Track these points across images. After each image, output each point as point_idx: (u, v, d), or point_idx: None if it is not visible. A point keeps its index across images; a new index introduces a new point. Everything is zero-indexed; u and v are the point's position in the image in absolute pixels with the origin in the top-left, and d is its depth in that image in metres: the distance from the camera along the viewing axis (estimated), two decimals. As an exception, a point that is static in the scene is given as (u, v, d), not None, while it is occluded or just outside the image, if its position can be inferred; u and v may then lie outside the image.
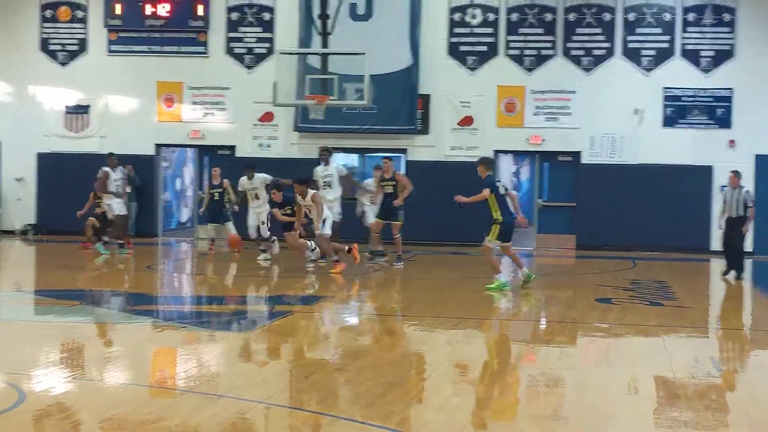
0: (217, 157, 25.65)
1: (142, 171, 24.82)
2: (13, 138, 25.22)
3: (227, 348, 10.65)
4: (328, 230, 17.26)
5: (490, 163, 15.66)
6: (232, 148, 25.08)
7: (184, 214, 28.87)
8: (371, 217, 19.55)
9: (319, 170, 19.06)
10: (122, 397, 8.18)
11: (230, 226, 20.69)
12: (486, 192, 14.99)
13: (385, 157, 19.54)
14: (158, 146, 25.42)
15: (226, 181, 20.64)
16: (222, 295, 15.12)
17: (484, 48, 24.39)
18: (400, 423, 7.36)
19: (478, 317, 13.10)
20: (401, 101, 24.14)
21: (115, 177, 20.72)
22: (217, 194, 20.65)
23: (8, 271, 19.06)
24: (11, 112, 25.35)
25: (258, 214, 19.72)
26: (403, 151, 24.63)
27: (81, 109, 25.34)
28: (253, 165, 20.07)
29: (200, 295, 15.82)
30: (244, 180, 19.77)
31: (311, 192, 17.25)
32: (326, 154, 19.19)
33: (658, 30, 23.91)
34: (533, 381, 9.07)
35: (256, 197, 19.71)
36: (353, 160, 25.90)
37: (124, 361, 9.79)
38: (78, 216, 21.08)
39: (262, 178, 19.73)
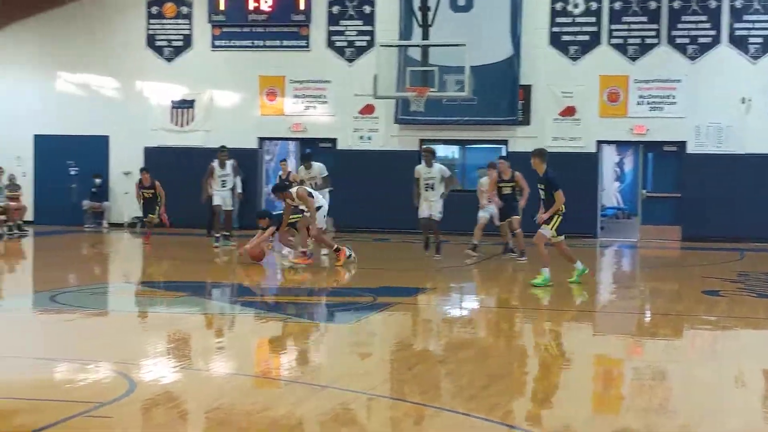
0: (319, 150, 25.87)
1: (245, 164, 25.11)
2: (121, 133, 25.78)
3: (330, 339, 10.71)
4: (322, 223, 17.03)
5: (545, 155, 14.91)
6: (333, 140, 25.25)
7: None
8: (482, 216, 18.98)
9: (422, 170, 18.22)
10: (228, 387, 8.26)
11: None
12: (561, 196, 14.33)
13: (502, 157, 18.88)
14: (261, 139, 25.72)
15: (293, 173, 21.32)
16: (324, 287, 15.22)
17: (586, 37, 24.10)
18: (504, 416, 7.30)
19: (581, 309, 12.96)
20: (502, 92, 24.00)
21: (223, 172, 20.90)
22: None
23: (117, 263, 19.49)
24: (119, 108, 25.90)
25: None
26: (504, 142, 24.49)
27: (186, 104, 25.77)
28: (310, 155, 19.81)
29: (303, 286, 15.94)
30: (301, 170, 19.51)
31: (294, 191, 16.80)
32: (429, 155, 18.44)
33: (766, 17, 23.32)
34: (639, 374, 8.95)
35: (314, 188, 19.28)
36: (453, 152, 25.86)
37: (230, 352, 9.90)
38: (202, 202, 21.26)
39: (319, 167, 19.41)
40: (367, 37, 24.91)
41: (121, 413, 7.16)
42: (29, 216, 24.73)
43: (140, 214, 25.30)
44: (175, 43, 25.86)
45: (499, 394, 7.94)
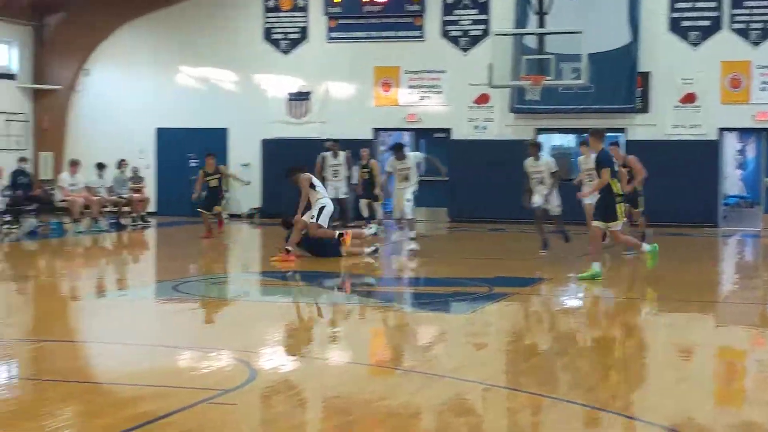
0: (433, 140, 25.93)
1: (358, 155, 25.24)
2: (240, 125, 26.18)
3: (447, 329, 10.71)
4: (319, 220, 16.44)
5: (602, 135, 14.37)
6: (447, 130, 25.22)
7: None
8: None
9: (529, 164, 17.46)
10: (346, 376, 8.35)
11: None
12: (606, 175, 13.80)
13: (613, 143, 18.06)
14: (376, 130, 25.84)
15: (373, 161, 21.33)
16: (441, 277, 15.22)
17: (707, 22, 23.57)
18: (623, 407, 7.23)
19: (702, 300, 12.71)
20: (620, 79, 23.64)
21: (334, 162, 21.11)
22: (215, 181, 20.84)
23: (236, 253, 19.81)
24: (237, 101, 26.30)
25: (403, 192, 18.82)
26: (622, 130, 24.11)
27: (302, 96, 26.04)
28: (402, 145, 19.18)
29: (418, 276, 15.98)
30: (392, 160, 18.93)
31: (301, 177, 16.50)
32: (534, 149, 17.90)
33: None
34: (763, 367, 8.74)
35: (406, 179, 18.84)
36: (569, 140, 25.58)
37: (348, 341, 9.99)
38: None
39: (414, 157, 19.16)
40: (482, 26, 24.79)
41: (243, 400, 7.28)
42: (152, 207, 25.33)
43: (258, 205, 25.77)
44: (291, 36, 26.14)
45: (618, 385, 7.87)
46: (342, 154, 20.94)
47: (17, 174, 21.95)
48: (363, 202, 21.43)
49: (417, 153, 19.64)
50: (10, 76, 26.52)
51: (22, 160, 22.91)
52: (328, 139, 21.35)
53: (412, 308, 12.05)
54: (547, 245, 17.18)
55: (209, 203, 20.68)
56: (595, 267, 13.99)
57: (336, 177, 20.78)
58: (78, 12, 26.86)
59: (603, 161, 13.92)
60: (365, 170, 21.33)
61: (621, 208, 13.98)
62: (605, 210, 14.06)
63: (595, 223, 14.18)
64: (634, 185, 16.69)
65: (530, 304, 12.55)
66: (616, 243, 15.45)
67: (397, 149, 18.62)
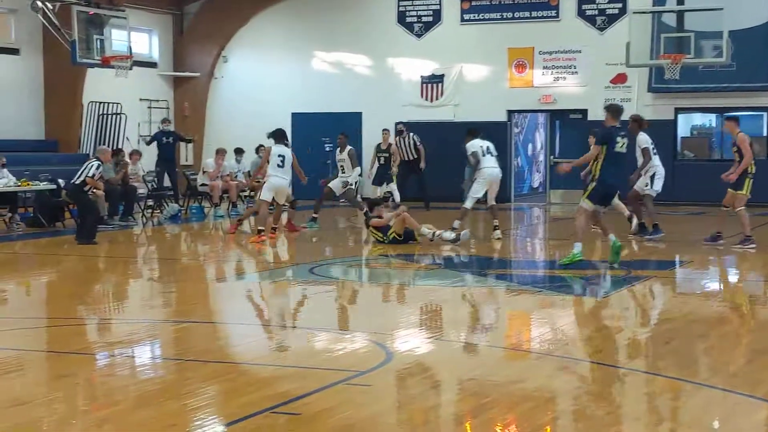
0: (569, 122, 25.61)
1: (494, 137, 25.09)
2: (373, 109, 26.32)
3: (584, 312, 10.60)
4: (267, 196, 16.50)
5: (615, 111, 13.16)
6: (584, 111, 24.89)
7: (536, 179, 29.01)
8: None
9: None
10: (481, 358, 8.36)
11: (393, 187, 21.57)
12: (748, 154, 13.19)
13: (729, 118, 16.74)
14: (509, 112, 25.67)
15: (393, 146, 21.61)
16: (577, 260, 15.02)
17: None
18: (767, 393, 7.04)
19: None
20: (762, 57, 22.92)
21: (341, 156, 20.25)
22: (383, 158, 21.43)
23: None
24: (371, 85, 26.47)
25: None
26: (765, 109, 23.40)
27: (435, 79, 26.04)
28: (477, 129, 18.31)
29: (554, 259, 15.84)
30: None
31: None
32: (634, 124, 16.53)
33: None
34: None
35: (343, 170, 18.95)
36: (711, 120, 24.94)
37: (483, 324, 10.00)
38: None
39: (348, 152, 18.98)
40: (619, 5, 24.33)
41: (378, 382, 7.35)
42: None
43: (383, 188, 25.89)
44: (424, 19, 26.14)
45: (763, 369, 7.66)
46: (347, 149, 20.06)
47: (161, 135, 22.53)
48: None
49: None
50: (151, 64, 27.26)
51: (165, 121, 23.56)
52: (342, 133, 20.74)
53: (549, 291, 11.94)
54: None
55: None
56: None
57: (343, 173, 19.57)
58: (216, 0, 27.41)
59: (600, 136, 13.08)
60: (384, 155, 21.95)
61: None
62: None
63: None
64: (743, 167, 15.18)
65: (670, 288, 12.34)
66: None
67: (471, 134, 17.50)
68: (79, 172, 16.60)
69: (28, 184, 18.31)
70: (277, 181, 16.50)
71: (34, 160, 19.61)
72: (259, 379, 7.52)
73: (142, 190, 20.54)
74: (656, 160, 16.50)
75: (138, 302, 11.64)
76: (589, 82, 24.63)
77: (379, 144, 22.43)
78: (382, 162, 22.11)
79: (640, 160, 16.25)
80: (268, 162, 16.50)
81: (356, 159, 19.30)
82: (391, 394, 7.16)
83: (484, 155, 16.60)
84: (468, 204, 16.65)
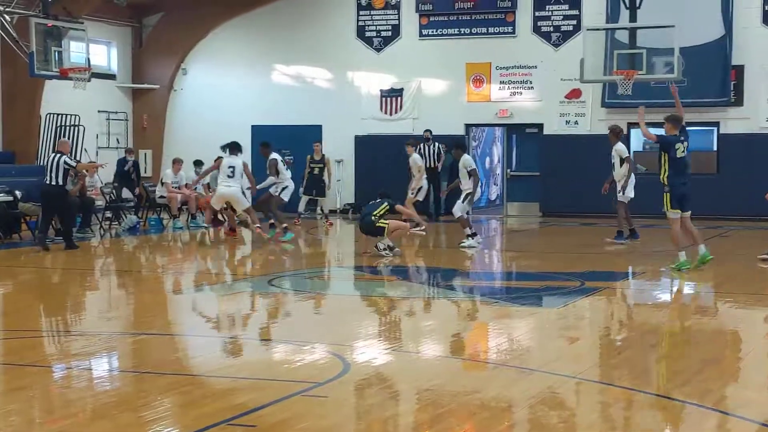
0: (525, 136, 25.84)
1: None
2: (333, 122, 26.37)
3: (538, 323, 10.68)
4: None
5: (674, 121, 14.34)
6: (539, 126, 25.10)
7: (493, 192, 29.21)
8: None
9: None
10: (438, 369, 8.39)
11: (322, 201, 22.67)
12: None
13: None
14: (467, 126, 25.83)
15: (327, 156, 22.35)
16: (530, 271, 15.19)
17: (802, 14, 23.07)
18: (718, 401, 7.17)
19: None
20: (713, 73, 23.25)
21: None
22: (317, 169, 22.18)
23: (329, 248, 19.99)
24: (331, 98, 26.51)
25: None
26: (716, 124, 23.75)
27: (395, 93, 26.15)
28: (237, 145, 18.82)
29: (509, 271, 15.98)
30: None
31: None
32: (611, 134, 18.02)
33: None
34: None
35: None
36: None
37: (439, 335, 10.02)
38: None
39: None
40: (573, 22, 24.60)
41: (335, 393, 7.37)
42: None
43: (351, 201, 25.97)
44: (383, 34, 26.26)
45: (712, 379, 7.78)
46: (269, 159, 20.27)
47: (122, 163, 22.55)
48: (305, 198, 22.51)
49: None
50: (110, 76, 27.14)
51: (129, 152, 23.47)
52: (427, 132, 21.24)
53: (504, 302, 12.05)
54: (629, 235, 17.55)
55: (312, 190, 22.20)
56: (682, 256, 13.96)
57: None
58: (175, 12, 27.37)
59: (661, 144, 14.22)
60: (318, 165, 22.48)
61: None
62: None
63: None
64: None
65: (622, 299, 12.49)
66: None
67: (233, 148, 18.41)
68: (52, 173, 16.57)
69: (-10, 195, 18.15)
70: (224, 190, 17.72)
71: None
72: (215, 391, 7.51)
73: (99, 202, 20.44)
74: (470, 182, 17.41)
75: (95, 314, 11.56)
76: (545, 97, 24.86)
77: (312, 155, 22.55)
78: (315, 172, 22.26)
79: (618, 170, 17.42)
80: (218, 170, 17.78)
81: (275, 168, 19.55)
82: (348, 405, 7.19)
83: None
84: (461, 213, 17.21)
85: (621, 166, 17.67)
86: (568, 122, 24.69)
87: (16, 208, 18.32)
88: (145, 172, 26.45)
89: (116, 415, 6.68)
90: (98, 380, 8.02)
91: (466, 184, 17.35)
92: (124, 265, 16.43)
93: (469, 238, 17.25)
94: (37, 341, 9.67)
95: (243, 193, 18.33)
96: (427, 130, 24.50)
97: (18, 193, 18.23)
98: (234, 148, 18.14)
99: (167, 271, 15.69)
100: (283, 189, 19.44)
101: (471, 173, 17.27)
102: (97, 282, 14.59)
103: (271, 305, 12.10)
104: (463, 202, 17.23)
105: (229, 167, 17.58)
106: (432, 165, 23.58)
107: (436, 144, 23.97)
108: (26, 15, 20.98)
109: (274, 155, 19.62)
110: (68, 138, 24.25)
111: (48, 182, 16.76)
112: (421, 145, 23.63)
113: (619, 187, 17.77)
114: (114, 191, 21.72)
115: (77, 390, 7.57)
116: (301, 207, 22.56)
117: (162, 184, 22.13)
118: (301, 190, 22.47)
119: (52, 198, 16.81)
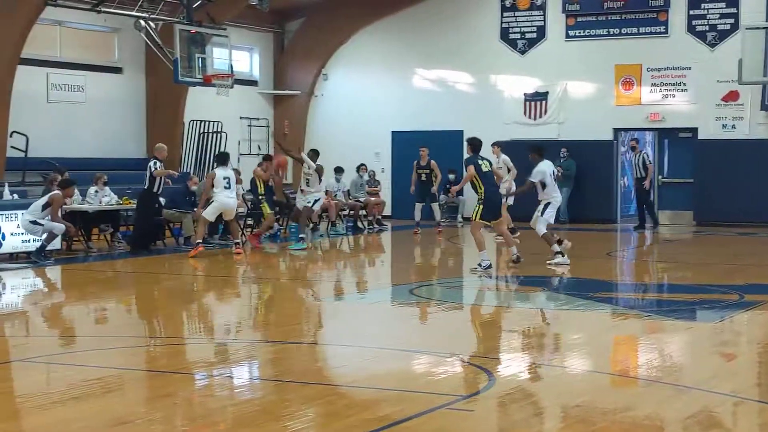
0: (678, 140, 25.10)
1: (599, 156, 24.75)
2: (475, 127, 25.99)
3: (693, 338, 10.26)
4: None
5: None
6: (693, 130, 24.33)
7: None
8: None
9: None
10: (586, 384, 8.11)
11: (435, 207, 21.82)
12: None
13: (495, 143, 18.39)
14: (616, 130, 25.22)
15: (433, 162, 21.44)
16: (684, 283, 14.62)
17: None
18: None
19: None
20: None
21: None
22: (424, 175, 21.32)
23: (471, 257, 19.68)
24: (473, 102, 26.25)
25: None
26: None
27: (539, 96, 25.72)
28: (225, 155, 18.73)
29: (662, 282, 15.43)
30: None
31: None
32: None
33: None
34: None
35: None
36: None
37: (587, 349, 9.70)
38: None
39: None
40: (731, 20, 23.73)
41: (481, 407, 7.20)
42: (387, 211, 25.61)
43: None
44: (528, 35, 25.86)
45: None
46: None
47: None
48: (419, 205, 21.89)
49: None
50: (252, 83, 27.48)
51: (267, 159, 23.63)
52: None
53: (657, 315, 11.58)
54: None
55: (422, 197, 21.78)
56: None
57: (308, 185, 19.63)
58: (317, 18, 27.54)
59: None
60: (424, 171, 21.62)
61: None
62: None
63: None
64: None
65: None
66: None
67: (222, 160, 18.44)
68: (145, 178, 17.54)
69: (130, 203, 18.49)
70: (227, 201, 17.66)
71: (136, 178, 19.84)
72: (359, 402, 7.43)
73: (241, 209, 20.56)
74: (554, 190, 16.11)
75: (235, 322, 11.62)
76: (700, 100, 24.06)
77: (418, 160, 22.05)
78: (423, 179, 21.77)
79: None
80: (213, 186, 17.60)
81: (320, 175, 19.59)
82: (493, 420, 7.00)
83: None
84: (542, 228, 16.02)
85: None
86: (724, 126, 23.83)
87: (160, 215, 18.59)
88: (287, 179, 26.66)
89: (260, 425, 6.63)
90: (240, 389, 8.00)
91: (543, 193, 16.00)
92: (264, 272, 16.45)
93: (559, 255, 15.79)
94: (179, 348, 9.69)
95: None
96: (633, 138, 24.00)
97: (162, 200, 18.51)
98: (222, 159, 18.35)
99: (306, 279, 15.65)
100: (316, 201, 19.36)
101: (542, 182, 15.91)
102: (238, 289, 14.69)
103: (413, 315, 11.92)
104: (542, 215, 15.93)
105: (224, 179, 17.71)
106: (639, 175, 23.08)
107: (642, 152, 23.46)
108: (170, 21, 21.35)
109: (319, 164, 19.61)
110: (211, 145, 24.63)
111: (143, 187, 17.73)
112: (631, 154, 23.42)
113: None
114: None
115: (219, 398, 7.55)
116: (417, 216, 22.03)
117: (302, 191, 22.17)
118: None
119: (138, 201, 17.90)
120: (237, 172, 19.02)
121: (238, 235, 18.39)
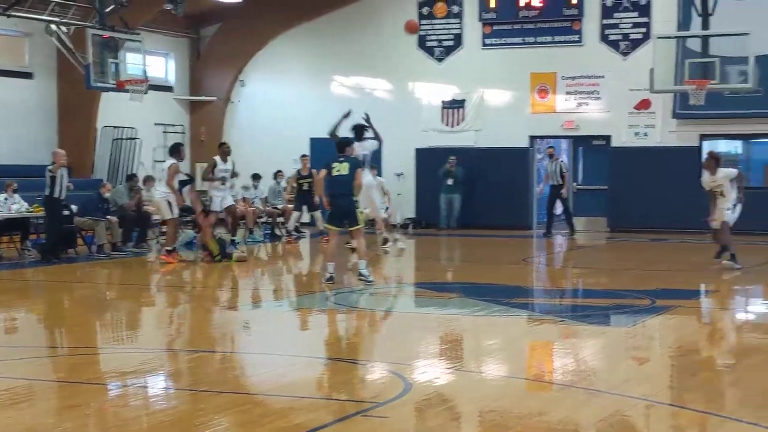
0: (592, 148, 25.43)
1: (515, 163, 24.97)
2: (394, 134, 26.05)
3: (607, 343, 10.36)
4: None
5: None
6: (607, 137, 24.65)
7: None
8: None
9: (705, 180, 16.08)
10: (502, 389, 8.15)
11: (317, 215, 21.27)
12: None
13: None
14: (532, 138, 25.45)
15: (314, 170, 20.61)
16: (598, 289, 14.79)
17: None
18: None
19: None
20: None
21: (225, 167, 19.88)
22: (306, 184, 21.04)
23: (390, 264, 19.72)
24: (391, 110, 26.24)
25: None
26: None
27: (456, 104, 25.86)
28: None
29: (576, 287, 15.59)
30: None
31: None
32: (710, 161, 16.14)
33: None
34: None
35: None
36: (736, 147, 24.64)
37: (503, 354, 9.74)
38: None
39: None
40: (643, 29, 24.11)
41: (397, 413, 7.16)
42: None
43: (412, 215, 25.68)
44: (445, 43, 25.98)
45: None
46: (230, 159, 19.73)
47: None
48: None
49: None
50: (167, 88, 27.18)
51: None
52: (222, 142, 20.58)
53: (571, 321, 11.68)
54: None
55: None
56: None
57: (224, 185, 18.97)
58: (233, 23, 27.35)
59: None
60: (306, 180, 21.30)
61: None
62: None
63: None
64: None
65: (695, 317, 12.08)
66: None
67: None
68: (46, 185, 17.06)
69: (40, 210, 18.09)
70: (152, 194, 17.56)
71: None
72: (273, 410, 7.35)
73: (156, 217, 20.28)
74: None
75: (151, 331, 11.48)
76: (613, 108, 24.39)
77: (300, 170, 21.95)
78: (305, 188, 21.46)
79: None
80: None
81: None
82: (409, 426, 6.99)
83: None
84: None
85: None
86: (637, 134, 24.18)
87: (71, 222, 18.25)
88: (203, 186, 26.38)
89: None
90: (154, 398, 7.89)
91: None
92: (178, 280, 16.23)
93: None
94: (92, 358, 9.53)
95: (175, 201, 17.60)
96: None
97: (74, 207, 18.17)
98: (170, 149, 17.90)
99: (224, 287, 15.50)
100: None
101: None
102: (152, 298, 14.49)
103: (329, 322, 11.86)
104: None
105: (162, 170, 17.25)
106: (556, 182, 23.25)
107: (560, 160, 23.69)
108: (83, 26, 21.00)
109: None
110: (124, 151, 24.30)
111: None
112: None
113: None
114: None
115: (133, 408, 7.44)
116: (291, 225, 21.86)
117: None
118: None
119: (44, 208, 17.56)
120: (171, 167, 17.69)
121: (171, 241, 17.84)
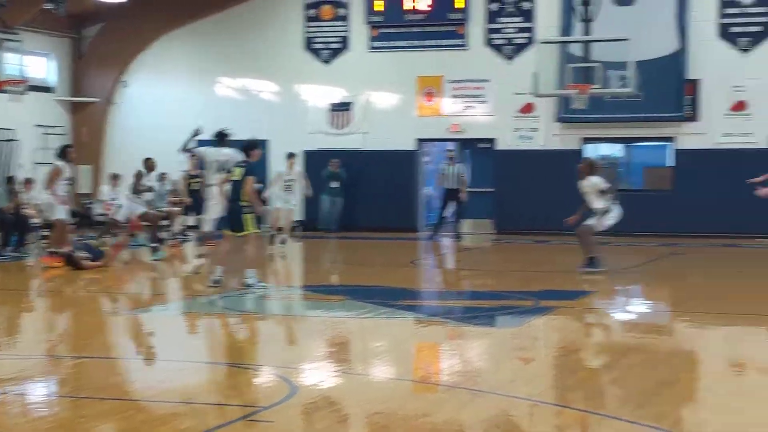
0: (478, 151, 25.68)
1: (402, 166, 25.09)
2: (281, 136, 25.99)
3: (491, 344, 10.47)
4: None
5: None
6: (491, 140, 24.95)
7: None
8: None
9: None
10: (388, 391, 8.16)
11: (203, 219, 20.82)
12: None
13: None
14: (419, 141, 25.61)
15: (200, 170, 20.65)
16: (484, 290, 14.96)
17: (759, 28, 23.12)
18: (674, 424, 6.97)
19: (758, 313, 12.31)
20: (668, 87, 23.26)
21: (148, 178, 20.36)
22: (195, 184, 20.43)
23: (277, 267, 19.63)
24: (278, 111, 26.18)
25: None
26: (670, 139, 23.74)
27: (344, 106, 25.88)
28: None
29: (462, 289, 15.73)
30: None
31: None
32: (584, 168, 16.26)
33: None
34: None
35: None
36: (618, 150, 25.21)
37: (390, 356, 9.78)
38: None
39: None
40: (527, 34, 24.50)
41: (282, 417, 7.12)
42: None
43: (300, 218, 25.58)
44: (332, 46, 25.99)
45: (668, 401, 7.61)
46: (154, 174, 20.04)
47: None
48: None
49: None
50: (47, 89, 26.57)
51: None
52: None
53: (457, 322, 11.79)
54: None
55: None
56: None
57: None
58: (115, 23, 26.89)
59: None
60: (195, 180, 20.73)
61: None
62: None
63: None
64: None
65: (577, 318, 12.28)
66: None
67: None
68: None
69: None
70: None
71: None
72: (157, 417, 7.23)
73: (36, 220, 19.77)
74: None
75: (31, 336, 11.20)
76: (498, 112, 24.71)
77: (188, 170, 21.60)
78: (195, 189, 21.00)
79: None
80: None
81: None
82: (295, 430, 6.94)
83: None
84: None
85: None
86: (521, 137, 24.54)
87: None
88: (85, 188, 25.91)
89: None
90: (32, 404, 7.68)
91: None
92: (58, 285, 15.86)
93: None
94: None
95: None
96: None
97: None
98: (59, 151, 17.44)
99: (109, 291, 15.21)
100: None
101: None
102: (31, 303, 14.14)
103: (215, 326, 11.72)
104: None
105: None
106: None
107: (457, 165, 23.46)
108: (-41, 26, 20.45)
109: None
110: (3, 153, 23.72)
111: None
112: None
113: None
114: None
115: (12, 416, 7.23)
116: (177, 227, 21.62)
117: (100, 200, 21.53)
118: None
119: None
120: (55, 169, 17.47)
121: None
